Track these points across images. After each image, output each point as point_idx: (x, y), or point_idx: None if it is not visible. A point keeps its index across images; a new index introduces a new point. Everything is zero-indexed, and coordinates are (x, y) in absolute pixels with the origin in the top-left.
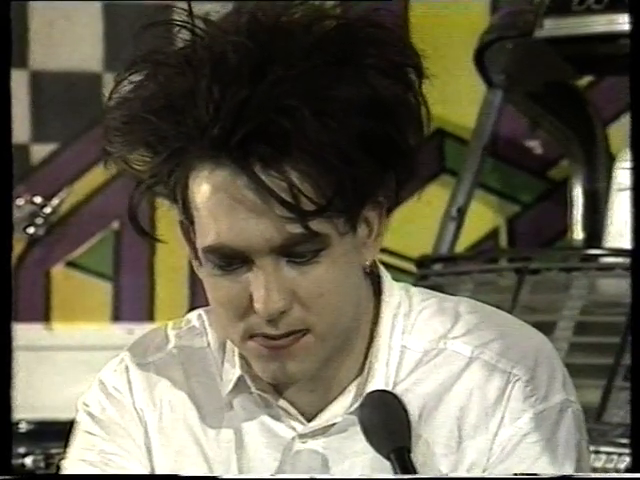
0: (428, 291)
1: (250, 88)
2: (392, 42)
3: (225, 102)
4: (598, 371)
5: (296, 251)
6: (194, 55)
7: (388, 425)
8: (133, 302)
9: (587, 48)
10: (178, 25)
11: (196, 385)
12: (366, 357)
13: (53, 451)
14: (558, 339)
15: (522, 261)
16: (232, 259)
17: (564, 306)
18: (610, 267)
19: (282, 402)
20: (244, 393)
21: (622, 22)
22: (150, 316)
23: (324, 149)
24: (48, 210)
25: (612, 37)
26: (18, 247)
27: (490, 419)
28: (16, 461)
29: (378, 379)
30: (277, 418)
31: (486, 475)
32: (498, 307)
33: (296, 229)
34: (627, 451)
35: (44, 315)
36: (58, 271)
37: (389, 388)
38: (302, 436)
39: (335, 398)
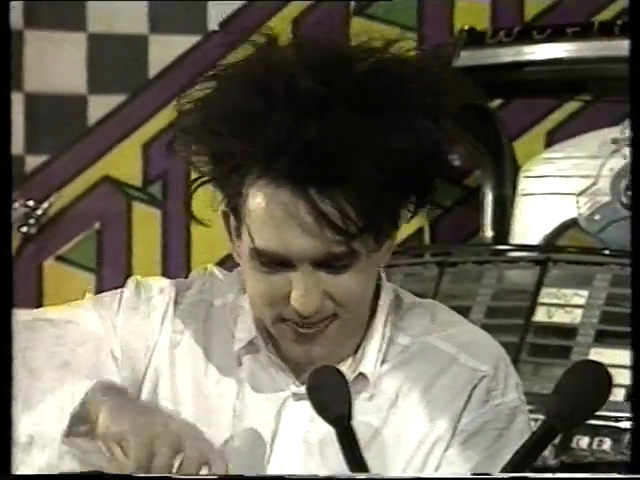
0: (409, 294)
1: (317, 124)
2: (441, 88)
3: (296, 133)
4: (506, 348)
5: (333, 264)
6: (267, 77)
7: (330, 394)
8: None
9: (497, 75)
10: (252, 45)
11: (211, 337)
12: (362, 342)
13: None
14: (472, 321)
15: (443, 255)
16: (277, 262)
17: (477, 293)
18: (515, 260)
19: (284, 365)
20: (253, 352)
21: (527, 52)
22: None
23: (373, 187)
24: (39, 212)
25: (518, 65)
26: (14, 244)
27: (458, 404)
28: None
29: (369, 361)
30: (277, 378)
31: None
32: (423, 295)
33: (339, 248)
34: (532, 416)
35: (37, 301)
36: (49, 264)
37: (376, 370)
38: (295, 395)
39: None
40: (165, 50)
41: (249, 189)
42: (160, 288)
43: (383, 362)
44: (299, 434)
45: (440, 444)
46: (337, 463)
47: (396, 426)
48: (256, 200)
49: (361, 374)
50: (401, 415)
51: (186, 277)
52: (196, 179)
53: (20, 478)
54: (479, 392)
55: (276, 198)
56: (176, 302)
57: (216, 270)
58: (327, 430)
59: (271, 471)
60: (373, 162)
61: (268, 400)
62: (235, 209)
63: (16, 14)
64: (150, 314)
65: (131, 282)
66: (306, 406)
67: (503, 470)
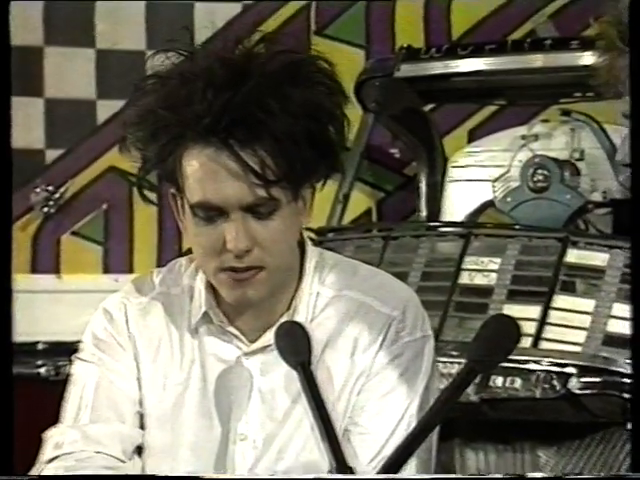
0: (335, 254)
1: (234, 91)
2: (329, 72)
3: (215, 100)
4: (437, 305)
5: (259, 209)
6: (190, 69)
7: (293, 345)
8: (118, 260)
9: (429, 84)
10: (177, 51)
11: (172, 320)
12: (293, 299)
13: (60, 364)
14: (410, 284)
15: (386, 231)
16: (213, 212)
17: (414, 261)
18: (444, 234)
19: (234, 330)
20: (207, 324)
21: (454, 66)
22: (130, 269)
23: (285, 137)
24: (57, 195)
25: (447, 76)
26: (36, 222)
27: (374, 344)
28: (33, 371)
29: (301, 314)
30: (230, 341)
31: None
32: (370, 263)
33: (261, 193)
34: (457, 360)
35: (56, 269)
36: (65, 238)
37: (307, 321)
38: (246, 354)
39: (269, 327)
40: (159, 63)
41: (184, 158)
42: (113, 313)
43: (313, 313)
44: (254, 385)
45: (363, 376)
46: (285, 407)
47: (328, 365)
48: (190, 162)
49: None
50: (331, 355)
51: (180, 249)
52: (142, 165)
53: (20, 478)
54: (391, 333)
55: (205, 155)
56: (132, 302)
57: (163, 268)
58: (275, 381)
59: (234, 416)
60: (282, 120)
61: (224, 361)
62: (176, 182)
63: (37, 34)
64: (120, 334)
65: (88, 330)
66: (256, 362)
67: (434, 405)
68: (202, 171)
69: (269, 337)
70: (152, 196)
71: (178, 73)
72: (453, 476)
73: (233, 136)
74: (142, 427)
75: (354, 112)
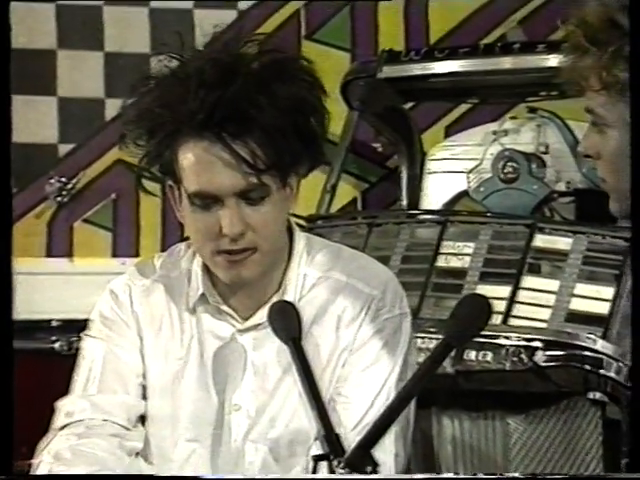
0: (321, 239)
1: (224, 88)
2: (310, 69)
3: (207, 97)
4: (416, 286)
5: (251, 196)
6: (183, 71)
7: (286, 323)
8: (125, 244)
9: (409, 84)
10: (170, 55)
11: (172, 300)
12: (282, 280)
13: (73, 340)
14: (392, 267)
15: (371, 218)
16: (209, 200)
17: (395, 246)
18: (423, 221)
19: (228, 309)
20: (204, 304)
21: (431, 67)
22: (136, 253)
23: (273, 129)
24: (70, 186)
25: (425, 77)
26: (51, 210)
27: (356, 320)
28: (48, 346)
29: (290, 294)
30: (225, 319)
31: None
32: (356, 248)
33: (253, 180)
34: (434, 336)
35: (68, 253)
36: (77, 225)
37: (296, 300)
38: (240, 331)
39: (261, 306)
40: (157, 65)
41: (180, 152)
42: (119, 294)
43: (301, 293)
44: (247, 359)
45: (346, 350)
46: (276, 379)
47: (316, 340)
48: (186, 156)
49: None
50: (317, 331)
51: (181, 235)
52: (141, 160)
53: (20, 478)
54: (372, 310)
55: (200, 148)
56: (136, 284)
57: (164, 253)
58: (266, 355)
59: (230, 388)
60: (270, 113)
61: (220, 338)
62: (173, 174)
63: (51, 39)
64: (124, 313)
65: (96, 309)
66: (249, 338)
67: (413, 376)
68: (198, 163)
69: (261, 315)
70: (152, 187)
71: (172, 74)
72: (454, 476)
73: (225, 130)
74: (145, 398)
75: (340, 110)
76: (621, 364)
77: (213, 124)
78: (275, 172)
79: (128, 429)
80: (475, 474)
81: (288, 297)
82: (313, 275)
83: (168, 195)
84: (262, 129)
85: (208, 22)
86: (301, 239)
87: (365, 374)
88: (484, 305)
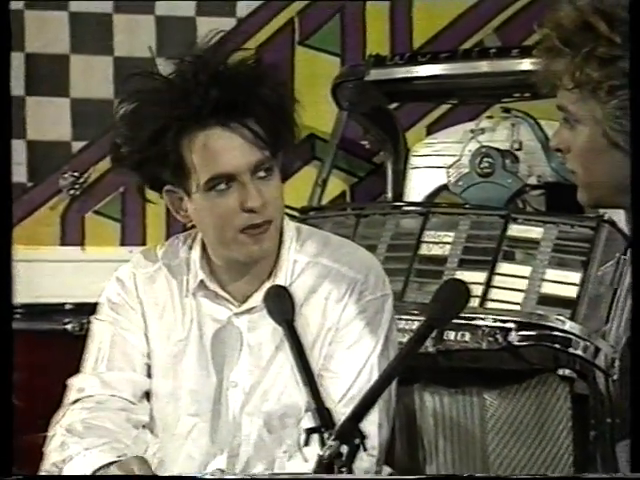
0: (310, 227)
1: (220, 86)
2: (284, 80)
3: (208, 94)
4: (401, 272)
5: (261, 170)
6: (180, 76)
7: (280, 306)
8: (133, 234)
9: (394, 86)
10: (174, 60)
11: (173, 286)
12: (274, 266)
13: (84, 322)
14: (378, 255)
15: (359, 210)
16: (222, 184)
17: (382, 235)
18: (407, 212)
19: (225, 294)
20: (203, 290)
21: (414, 71)
22: (143, 242)
23: (267, 113)
24: (82, 180)
25: (408, 80)
26: (64, 202)
27: (341, 302)
28: (60, 327)
29: (281, 279)
30: (222, 304)
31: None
32: (346, 237)
33: (264, 154)
34: (417, 318)
35: (80, 242)
36: (89, 216)
37: (287, 285)
38: (236, 314)
39: (255, 292)
40: (167, 68)
41: (186, 148)
42: (124, 280)
43: (292, 278)
44: (243, 340)
45: (332, 329)
46: (269, 358)
47: (306, 320)
48: (197, 146)
49: None
50: (307, 311)
51: (184, 224)
52: (140, 169)
53: (20, 478)
54: (355, 293)
55: (211, 136)
56: (140, 271)
57: (165, 243)
58: (261, 336)
59: (227, 367)
60: (263, 100)
61: (218, 321)
62: (177, 175)
63: (65, 44)
64: (130, 298)
65: (104, 295)
66: (244, 320)
67: (398, 355)
68: (212, 149)
69: (255, 299)
70: (155, 197)
71: (167, 81)
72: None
73: (230, 117)
74: (149, 376)
75: (331, 110)
76: (588, 343)
77: (219, 114)
78: (272, 150)
79: (134, 404)
80: (474, 473)
81: (279, 282)
82: (302, 261)
83: (166, 201)
84: (259, 113)
85: (209, 29)
86: (291, 228)
87: (350, 351)
88: (463, 289)
